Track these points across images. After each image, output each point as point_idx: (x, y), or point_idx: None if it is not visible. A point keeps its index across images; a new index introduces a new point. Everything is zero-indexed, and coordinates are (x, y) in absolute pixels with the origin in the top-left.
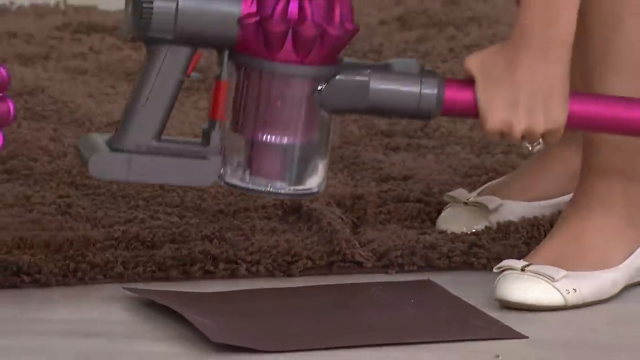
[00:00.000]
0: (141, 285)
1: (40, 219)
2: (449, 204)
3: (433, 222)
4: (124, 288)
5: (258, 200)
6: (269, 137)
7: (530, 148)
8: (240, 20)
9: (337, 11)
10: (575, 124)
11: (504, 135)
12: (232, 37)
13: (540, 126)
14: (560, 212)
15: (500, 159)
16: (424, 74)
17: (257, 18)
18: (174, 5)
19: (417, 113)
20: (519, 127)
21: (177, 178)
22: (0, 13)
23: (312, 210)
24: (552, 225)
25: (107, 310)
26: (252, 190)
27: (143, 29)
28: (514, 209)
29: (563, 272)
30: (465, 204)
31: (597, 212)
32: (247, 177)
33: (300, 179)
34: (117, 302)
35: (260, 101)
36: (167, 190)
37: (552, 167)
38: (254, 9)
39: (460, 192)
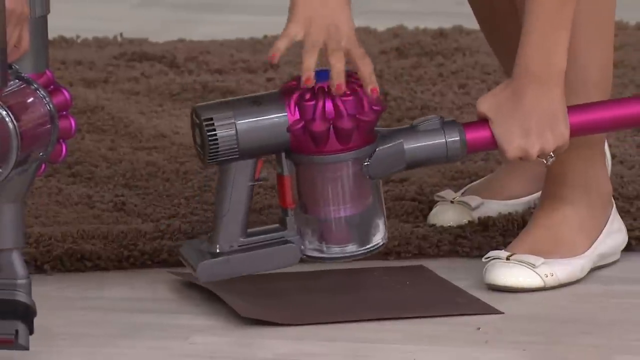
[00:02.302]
0: (183, 270)
1: (100, 214)
2: (438, 202)
3: (425, 217)
4: (169, 272)
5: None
6: (333, 213)
7: (546, 162)
8: (289, 128)
9: (366, 100)
10: (576, 133)
11: (522, 159)
12: (285, 142)
13: (550, 145)
14: (530, 208)
15: (481, 165)
16: (445, 125)
17: (302, 123)
18: (233, 131)
19: (447, 159)
20: (534, 151)
21: (269, 265)
22: (68, 45)
23: None
24: (524, 220)
25: (155, 290)
26: (330, 258)
27: (213, 156)
28: (492, 207)
29: (542, 260)
30: (452, 202)
31: (563, 209)
32: (324, 248)
33: (367, 238)
34: (163, 283)
35: (321, 187)
36: (203, 191)
37: (522, 171)
38: (297, 115)
39: (448, 193)
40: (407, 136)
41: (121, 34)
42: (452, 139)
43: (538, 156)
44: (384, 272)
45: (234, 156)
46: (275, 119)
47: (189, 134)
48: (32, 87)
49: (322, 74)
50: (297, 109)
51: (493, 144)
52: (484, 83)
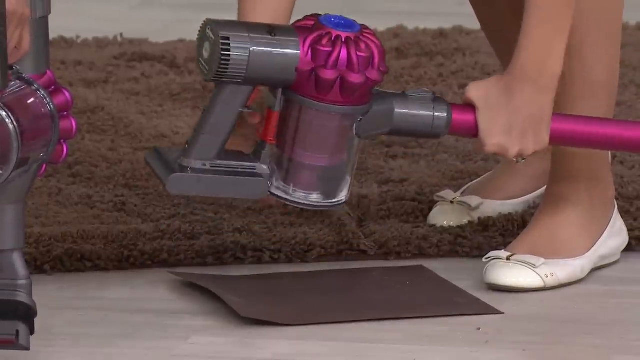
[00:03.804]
0: (183, 270)
1: (100, 214)
2: (438, 203)
3: (425, 217)
4: (168, 272)
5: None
6: (312, 159)
7: (516, 161)
8: (298, 67)
9: (377, 58)
10: (555, 142)
11: (497, 155)
12: (290, 80)
13: (530, 148)
14: (529, 208)
15: (480, 165)
16: (435, 100)
17: (312, 66)
18: (247, 54)
19: (430, 133)
20: (512, 151)
21: (236, 193)
22: (67, 45)
23: None
24: (524, 220)
25: (155, 290)
26: (293, 202)
27: (219, 75)
28: (492, 207)
29: (542, 260)
30: (452, 202)
31: (566, 209)
32: (290, 190)
33: (333, 193)
34: (162, 283)
35: (309, 131)
36: None
37: (521, 171)
38: (309, 57)
39: (447, 193)
40: (398, 101)
41: (121, 34)
42: (439, 114)
43: (514, 156)
44: (384, 272)
45: (238, 80)
46: (288, 55)
47: (189, 134)
48: (33, 88)
49: (343, 21)
50: (310, 50)
51: (474, 132)
52: None
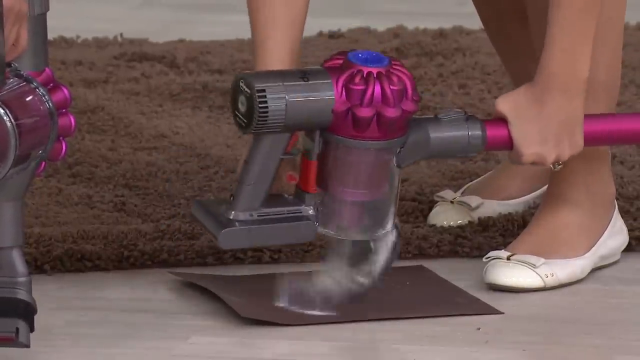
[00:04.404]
0: (183, 270)
1: (100, 214)
2: (438, 203)
3: (425, 217)
4: (168, 272)
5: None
6: (356, 195)
7: (553, 168)
8: (334, 109)
9: (410, 90)
10: (589, 143)
11: (535, 164)
12: (327, 122)
13: (566, 154)
14: (530, 208)
15: (481, 165)
16: (469, 119)
17: (348, 106)
18: (284, 104)
19: (467, 152)
20: (550, 159)
21: (286, 239)
22: (67, 45)
23: None
24: (524, 220)
25: (155, 290)
26: (343, 238)
27: (259, 127)
28: (492, 207)
29: (542, 260)
30: (452, 202)
31: (566, 210)
32: (339, 229)
33: (381, 224)
34: (162, 283)
35: (351, 169)
36: (204, 191)
37: (521, 171)
38: (344, 97)
39: (447, 193)
40: (433, 127)
41: (121, 34)
42: (474, 133)
43: (551, 163)
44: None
45: (277, 129)
46: (323, 98)
47: (189, 134)
48: (31, 85)
49: (371, 56)
50: (344, 90)
51: (509, 144)
52: (484, 83)
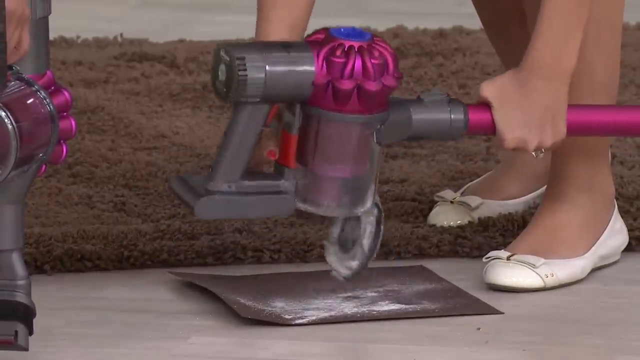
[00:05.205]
0: (183, 270)
1: (100, 214)
2: (438, 203)
3: (425, 217)
4: (168, 272)
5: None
6: (335, 171)
7: (535, 156)
8: (314, 82)
9: (391, 65)
10: (572, 133)
11: (517, 149)
12: (306, 94)
13: (549, 141)
14: (529, 208)
15: (481, 165)
16: (451, 103)
17: (328, 79)
18: (263, 73)
19: (448, 135)
20: (532, 144)
21: (264, 212)
22: (67, 45)
23: None
24: (524, 220)
25: (155, 290)
26: (321, 214)
27: (237, 95)
28: (492, 207)
29: (542, 260)
30: (452, 202)
31: (565, 209)
32: (317, 203)
33: (360, 201)
34: (162, 283)
35: (331, 143)
36: None
37: (521, 171)
38: (324, 70)
39: (447, 193)
40: (415, 107)
41: (121, 35)
42: (457, 116)
43: (533, 150)
44: (384, 272)
45: (256, 99)
46: (304, 70)
47: (189, 134)
48: (33, 88)
49: (353, 31)
50: (325, 63)
51: (492, 129)
52: None
